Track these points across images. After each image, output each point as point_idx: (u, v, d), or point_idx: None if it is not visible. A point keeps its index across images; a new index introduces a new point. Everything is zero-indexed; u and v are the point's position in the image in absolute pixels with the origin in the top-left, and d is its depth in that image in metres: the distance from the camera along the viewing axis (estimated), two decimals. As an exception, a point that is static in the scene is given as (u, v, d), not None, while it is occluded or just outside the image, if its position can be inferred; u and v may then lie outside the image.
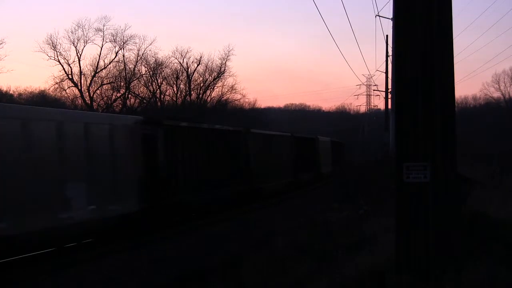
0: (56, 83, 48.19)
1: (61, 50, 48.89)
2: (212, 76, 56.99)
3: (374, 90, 72.77)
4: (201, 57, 57.18)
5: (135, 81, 51.27)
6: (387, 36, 40.33)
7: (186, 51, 61.25)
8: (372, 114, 78.10)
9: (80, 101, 48.41)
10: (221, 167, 22.04)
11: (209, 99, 57.90)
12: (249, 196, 25.31)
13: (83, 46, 49.96)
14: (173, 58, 56.28)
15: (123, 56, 50.81)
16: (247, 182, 24.94)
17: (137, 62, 51.44)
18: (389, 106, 40.46)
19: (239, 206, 23.51)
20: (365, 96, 78.01)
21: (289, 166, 32.72)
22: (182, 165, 19.08)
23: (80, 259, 13.01)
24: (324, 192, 30.98)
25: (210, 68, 56.76)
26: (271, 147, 29.53)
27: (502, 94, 75.43)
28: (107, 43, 51.70)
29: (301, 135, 38.15)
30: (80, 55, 49.16)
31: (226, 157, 22.81)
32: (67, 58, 48.64)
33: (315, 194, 31.65)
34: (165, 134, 17.93)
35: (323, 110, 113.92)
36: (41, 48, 54.15)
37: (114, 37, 50.31)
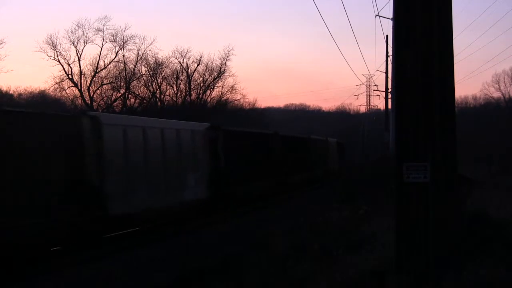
0: (56, 83, 48.14)
1: (61, 50, 48.83)
2: (212, 76, 56.96)
3: (374, 90, 72.77)
4: (201, 57, 57.08)
5: (135, 81, 51.22)
6: (387, 36, 40.20)
7: (186, 51, 61.45)
8: (372, 114, 78.00)
9: (80, 101, 48.39)
10: None
11: (209, 99, 57.86)
12: None
13: (83, 46, 49.86)
14: (173, 58, 56.21)
15: (123, 56, 50.76)
16: None
17: (137, 62, 51.40)
18: (389, 106, 40.39)
19: None
20: (365, 96, 77.99)
21: None
22: None
23: (80, 259, 12.98)
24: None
25: (210, 68, 56.73)
26: None
27: (502, 94, 75.34)
28: (107, 43, 51.56)
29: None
30: (80, 55, 49.12)
31: None
32: (67, 58, 48.61)
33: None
34: None
35: (323, 110, 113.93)
36: (41, 48, 53.87)
37: (114, 37, 50.28)
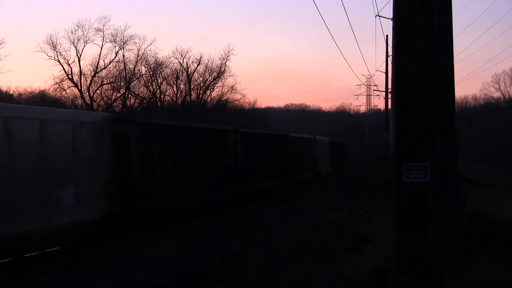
0: (56, 83, 48.17)
1: (61, 50, 48.89)
2: (212, 76, 57.01)
3: (374, 90, 72.73)
4: (201, 57, 57.17)
5: (135, 81, 51.26)
6: (387, 36, 40.28)
7: (186, 51, 61.64)
8: (372, 114, 78.05)
9: (80, 101, 48.40)
10: None
11: (209, 99, 57.90)
12: None
13: (83, 46, 49.95)
14: (173, 58, 56.28)
15: (123, 56, 50.82)
16: None
17: (137, 62, 51.46)
18: (389, 106, 40.37)
19: None
20: (365, 96, 77.96)
21: None
22: None
23: (80, 259, 12.99)
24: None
25: (210, 68, 56.77)
26: None
27: (502, 94, 75.47)
28: (107, 43, 51.70)
29: None
30: (80, 55, 49.16)
31: None
32: (67, 58, 48.65)
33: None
34: None
35: (323, 110, 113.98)
36: (41, 48, 54.07)
37: (114, 37, 50.33)
